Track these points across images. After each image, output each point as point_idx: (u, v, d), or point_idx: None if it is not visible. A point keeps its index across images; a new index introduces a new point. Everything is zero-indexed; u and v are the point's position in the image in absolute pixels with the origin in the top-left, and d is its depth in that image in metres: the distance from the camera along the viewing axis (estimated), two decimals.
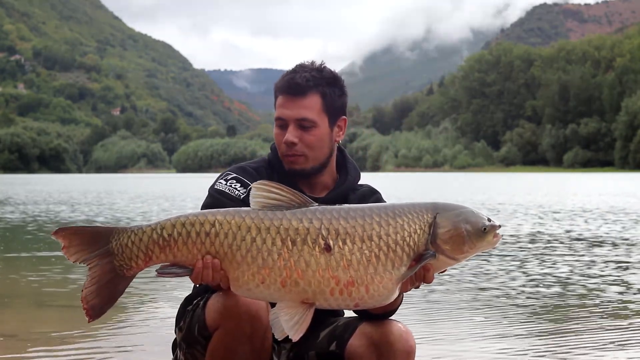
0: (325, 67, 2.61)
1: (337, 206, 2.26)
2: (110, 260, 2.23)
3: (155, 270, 2.24)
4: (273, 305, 2.27)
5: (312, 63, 2.60)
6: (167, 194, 28.44)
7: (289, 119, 2.55)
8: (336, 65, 2.81)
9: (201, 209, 2.41)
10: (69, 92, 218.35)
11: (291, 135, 2.54)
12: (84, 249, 2.23)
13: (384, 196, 2.74)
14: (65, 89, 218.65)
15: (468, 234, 2.22)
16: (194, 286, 2.60)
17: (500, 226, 2.28)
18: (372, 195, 2.70)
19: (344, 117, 2.65)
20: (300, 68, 2.59)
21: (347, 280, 2.16)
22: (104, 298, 2.23)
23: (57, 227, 2.24)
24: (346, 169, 2.71)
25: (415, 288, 2.28)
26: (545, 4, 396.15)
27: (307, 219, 2.18)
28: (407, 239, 2.21)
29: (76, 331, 4.59)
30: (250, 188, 2.47)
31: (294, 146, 2.55)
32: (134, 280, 2.18)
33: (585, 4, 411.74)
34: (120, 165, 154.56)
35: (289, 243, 2.16)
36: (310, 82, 2.54)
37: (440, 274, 2.30)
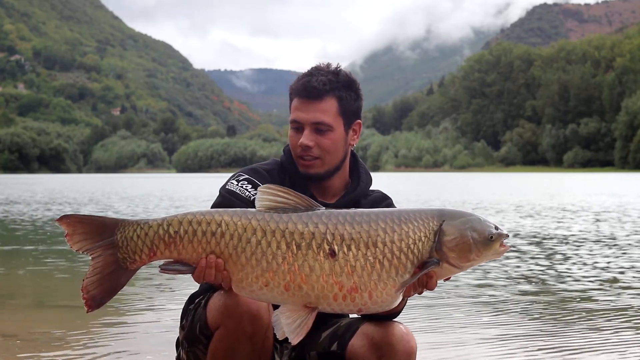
0: (341, 70, 2.59)
1: (343, 211, 2.23)
2: (114, 252, 2.21)
3: (159, 266, 2.24)
4: (275, 306, 2.26)
5: (328, 66, 2.58)
6: (157, 194, 28.44)
7: (305, 122, 2.53)
8: None
9: (211, 208, 2.39)
10: (69, 92, 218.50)
11: (306, 138, 2.52)
12: (88, 238, 2.21)
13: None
14: (65, 89, 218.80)
15: (474, 242, 2.19)
16: (200, 284, 2.57)
17: (508, 235, 2.24)
18: (383, 201, 2.69)
19: (359, 120, 2.64)
20: (317, 71, 2.56)
21: (350, 286, 2.15)
22: (105, 289, 2.22)
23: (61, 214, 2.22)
24: (358, 174, 2.70)
25: (418, 294, 2.26)
26: (545, 4, 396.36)
27: (312, 223, 2.17)
28: (412, 246, 2.18)
29: (77, 331, 4.58)
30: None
31: (309, 149, 2.53)
32: (137, 277, 2.33)
33: (585, 4, 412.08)
34: (120, 165, 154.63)
35: (294, 247, 2.15)
36: (327, 85, 2.52)
37: (445, 281, 2.28)
